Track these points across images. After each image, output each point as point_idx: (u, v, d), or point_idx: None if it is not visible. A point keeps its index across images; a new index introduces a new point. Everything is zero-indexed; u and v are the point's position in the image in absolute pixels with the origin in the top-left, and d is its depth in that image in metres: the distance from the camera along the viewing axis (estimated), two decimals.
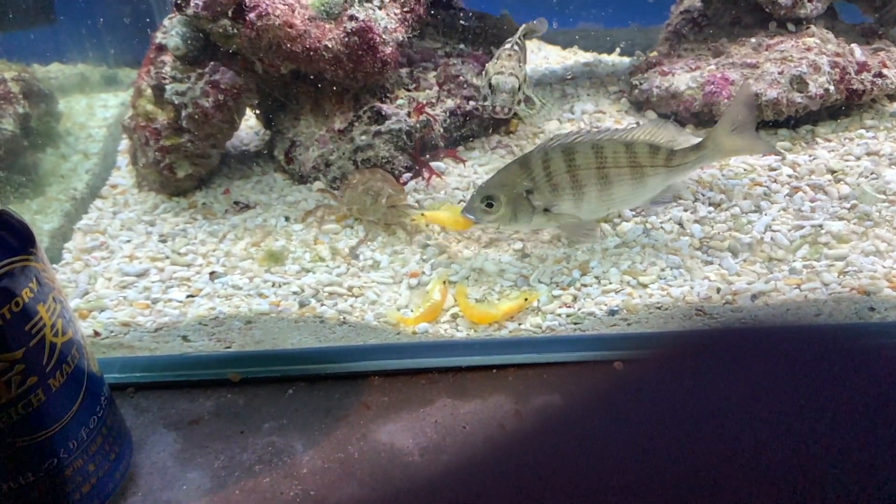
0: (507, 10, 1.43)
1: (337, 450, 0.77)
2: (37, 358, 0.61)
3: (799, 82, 1.18)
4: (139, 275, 1.02)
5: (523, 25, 1.29)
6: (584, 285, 0.95)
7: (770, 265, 0.95)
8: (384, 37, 1.12)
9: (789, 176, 1.11)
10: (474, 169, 1.21)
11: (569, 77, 1.47)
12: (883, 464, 0.28)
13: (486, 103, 1.19)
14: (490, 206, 0.94)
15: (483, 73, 1.25)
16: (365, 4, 1.12)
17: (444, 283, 0.95)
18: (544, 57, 1.65)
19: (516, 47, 1.25)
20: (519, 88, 1.19)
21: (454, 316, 0.93)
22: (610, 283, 0.95)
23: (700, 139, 0.97)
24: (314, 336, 0.91)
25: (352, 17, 1.10)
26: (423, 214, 1.04)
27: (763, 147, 1.03)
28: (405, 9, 1.17)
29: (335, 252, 1.04)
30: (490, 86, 1.19)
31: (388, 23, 1.13)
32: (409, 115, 1.18)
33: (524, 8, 1.55)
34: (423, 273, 0.99)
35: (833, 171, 1.11)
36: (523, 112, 1.25)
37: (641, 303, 0.91)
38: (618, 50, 1.61)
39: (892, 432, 0.30)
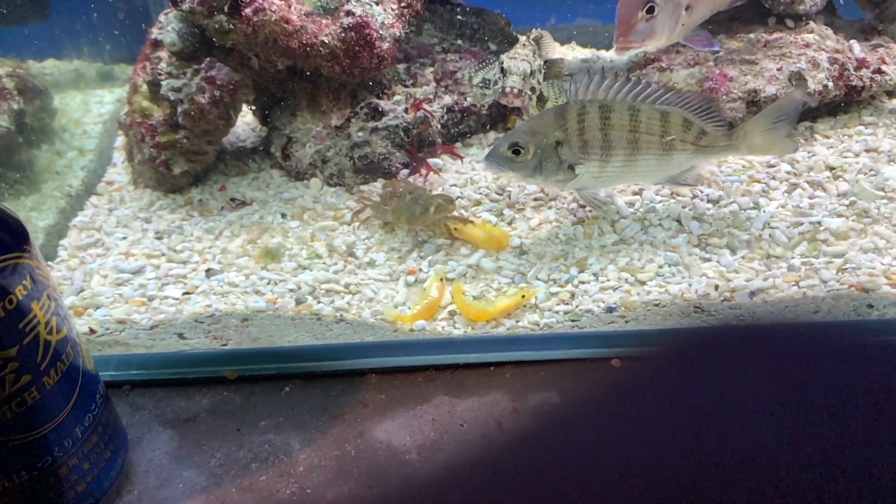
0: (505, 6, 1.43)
1: (333, 448, 0.76)
2: (31, 356, 0.60)
3: (797, 79, 1.17)
4: (135, 272, 1.02)
5: (533, 31, 1.31)
6: (582, 282, 0.95)
7: (768, 262, 0.95)
8: (381, 32, 1.12)
9: (788, 172, 1.11)
10: (472, 165, 1.20)
11: (567, 74, 1.46)
12: (882, 459, 0.28)
13: (496, 87, 1.19)
14: (517, 153, 0.91)
15: (478, 69, 1.26)
16: (362, 0, 1.12)
17: (442, 280, 0.94)
18: None
19: (532, 41, 1.26)
20: (532, 75, 1.19)
21: (451, 313, 0.92)
22: (608, 280, 0.94)
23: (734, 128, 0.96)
24: (311, 333, 0.91)
25: (348, 13, 1.09)
26: (455, 227, 1.02)
27: (790, 148, 1.00)
28: (402, 4, 1.16)
29: (332, 249, 1.04)
30: (502, 70, 1.19)
31: (384, 18, 1.13)
32: (406, 111, 1.18)
33: (522, 5, 1.54)
34: (421, 270, 0.99)
35: (832, 168, 1.11)
36: (533, 111, 1.25)
37: (639, 300, 0.91)
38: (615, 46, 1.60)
39: (892, 428, 0.30)
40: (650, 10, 1.00)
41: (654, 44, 1.05)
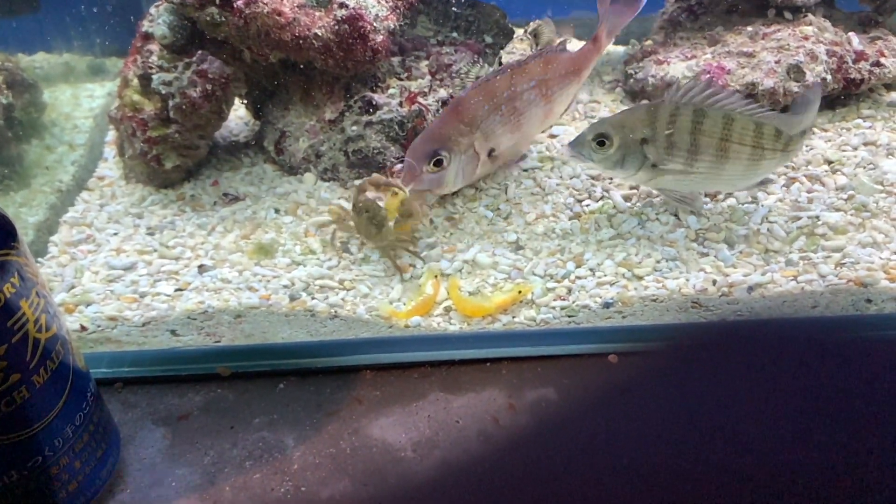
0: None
1: (328, 445, 0.76)
2: (20, 354, 0.60)
3: (796, 71, 1.17)
4: (126, 268, 1.01)
5: (531, 24, 1.30)
6: (579, 277, 0.94)
7: (766, 257, 0.95)
8: (375, 25, 1.10)
9: (785, 166, 1.10)
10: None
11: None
12: (881, 452, 0.28)
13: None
14: (602, 144, 0.91)
15: (470, 66, 1.25)
16: None
17: (437, 276, 0.93)
18: None
19: (530, 35, 1.25)
20: None
21: (447, 309, 0.92)
22: (605, 276, 0.94)
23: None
24: (305, 330, 0.90)
25: (342, 5, 1.08)
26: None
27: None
28: None
29: (326, 245, 1.03)
30: (499, 63, 1.18)
31: (379, 10, 1.11)
32: (400, 104, 1.17)
33: None
34: (413, 267, 0.98)
35: (830, 162, 1.10)
36: None
37: (636, 295, 0.90)
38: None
39: (890, 423, 0.29)
40: (437, 164, 0.98)
41: (448, 190, 1.03)
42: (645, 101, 0.99)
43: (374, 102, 1.15)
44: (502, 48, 1.34)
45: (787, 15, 1.27)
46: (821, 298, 0.88)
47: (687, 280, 0.92)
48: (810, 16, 1.25)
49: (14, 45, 1.32)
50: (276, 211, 1.11)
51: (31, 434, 0.62)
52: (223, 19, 1.07)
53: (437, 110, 1.21)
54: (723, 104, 0.91)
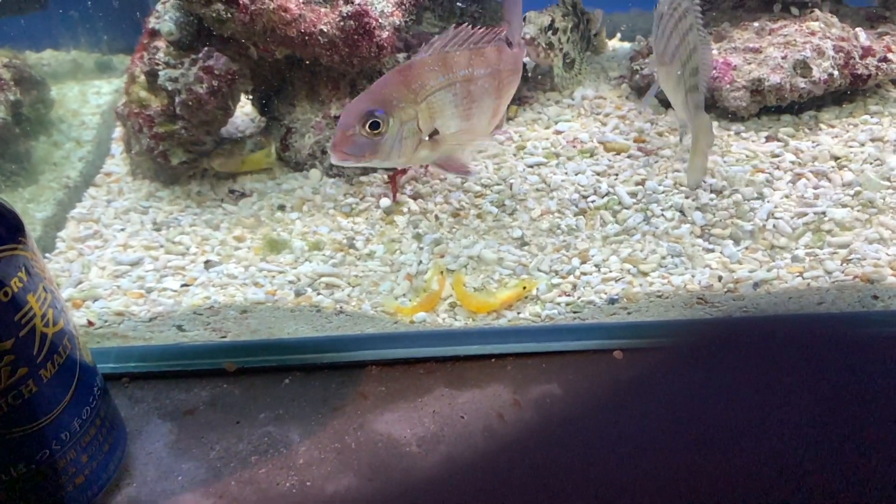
0: None
1: (334, 440, 0.76)
2: (27, 348, 0.60)
3: (802, 67, 1.16)
4: (133, 264, 1.01)
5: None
6: (584, 273, 0.94)
7: (772, 253, 0.94)
8: (380, 21, 1.10)
9: (792, 162, 1.10)
10: (472, 155, 1.19)
11: (569, 62, 1.45)
12: (886, 452, 0.28)
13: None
14: None
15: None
16: None
17: (442, 272, 0.94)
18: None
19: (569, 5, 1.27)
20: (553, 31, 1.17)
21: (452, 305, 0.92)
22: (610, 272, 0.94)
23: None
24: (311, 325, 0.91)
25: (347, 1, 1.08)
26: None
27: None
28: None
29: (332, 241, 1.03)
30: (524, 19, 1.19)
31: (384, 6, 1.11)
32: None
33: None
34: (421, 262, 0.98)
35: (836, 158, 1.10)
36: (558, 70, 1.25)
37: (642, 291, 0.90)
38: (618, 35, 1.59)
39: None
40: (373, 126, 0.86)
41: (380, 163, 0.92)
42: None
43: None
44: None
45: (794, 10, 1.26)
46: (827, 295, 0.88)
47: (692, 276, 0.91)
48: (817, 11, 1.24)
49: (22, 42, 1.33)
50: (282, 207, 1.11)
51: (39, 428, 0.62)
52: (229, 16, 1.07)
53: None
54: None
